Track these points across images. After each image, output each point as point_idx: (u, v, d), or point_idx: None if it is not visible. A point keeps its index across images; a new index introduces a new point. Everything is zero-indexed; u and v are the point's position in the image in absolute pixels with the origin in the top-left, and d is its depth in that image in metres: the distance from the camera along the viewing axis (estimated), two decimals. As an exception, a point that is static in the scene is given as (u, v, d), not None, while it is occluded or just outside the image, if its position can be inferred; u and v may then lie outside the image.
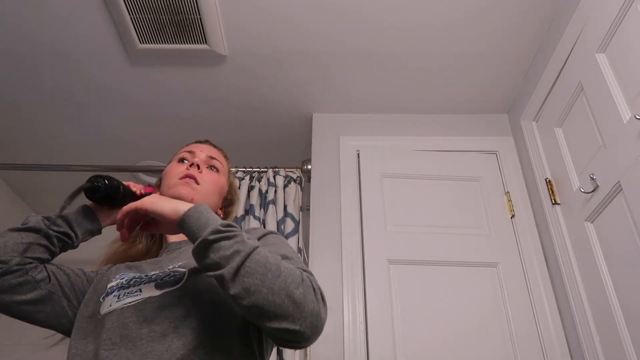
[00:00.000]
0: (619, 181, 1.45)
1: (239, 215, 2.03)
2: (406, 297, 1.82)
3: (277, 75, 2.13)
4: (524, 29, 1.91)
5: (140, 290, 0.90)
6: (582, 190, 1.64)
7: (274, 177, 2.16)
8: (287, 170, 2.20)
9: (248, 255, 0.74)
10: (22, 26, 1.89)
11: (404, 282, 1.85)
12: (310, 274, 0.81)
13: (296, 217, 2.06)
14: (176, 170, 1.10)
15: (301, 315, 0.73)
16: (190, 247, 0.83)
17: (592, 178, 1.58)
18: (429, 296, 1.82)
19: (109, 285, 0.96)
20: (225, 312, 0.86)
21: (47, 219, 0.95)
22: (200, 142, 1.25)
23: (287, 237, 1.98)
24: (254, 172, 2.22)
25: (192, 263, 0.93)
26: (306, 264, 1.97)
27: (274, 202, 2.08)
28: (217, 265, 0.74)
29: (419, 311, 1.79)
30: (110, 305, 0.90)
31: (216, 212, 1.11)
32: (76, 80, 2.15)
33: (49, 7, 1.82)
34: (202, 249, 0.76)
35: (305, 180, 2.22)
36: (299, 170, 2.23)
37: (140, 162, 2.66)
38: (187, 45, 1.95)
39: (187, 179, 1.07)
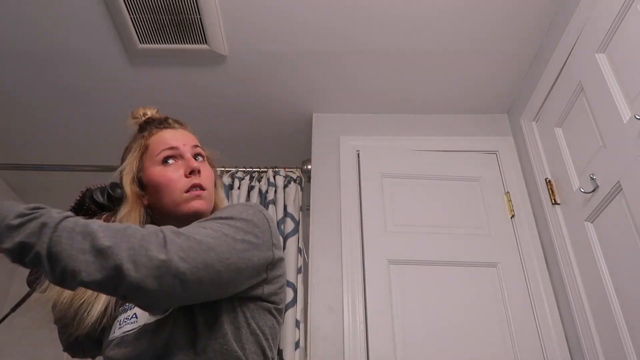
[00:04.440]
0: (619, 181, 1.45)
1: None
2: (406, 297, 1.82)
3: (277, 75, 2.13)
4: (524, 29, 1.91)
5: (136, 316, 0.86)
6: (582, 190, 1.64)
7: (274, 177, 2.16)
8: (287, 170, 2.20)
9: (56, 226, 0.68)
10: (21, 26, 1.89)
11: (404, 282, 1.85)
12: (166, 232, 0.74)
13: (296, 217, 2.06)
14: (177, 182, 0.94)
15: (113, 263, 0.67)
16: None
17: (592, 178, 1.58)
18: (429, 296, 1.82)
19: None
20: (220, 323, 0.81)
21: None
22: (166, 126, 1.07)
23: (287, 237, 1.98)
24: (254, 172, 2.22)
25: None
26: (306, 264, 1.97)
27: (274, 202, 2.08)
28: (25, 246, 0.66)
29: (419, 311, 1.79)
30: (114, 333, 0.88)
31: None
32: (76, 80, 2.14)
33: (48, 8, 1.82)
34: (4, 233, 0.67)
35: (305, 180, 2.22)
36: (299, 170, 2.22)
37: (140, 162, 2.65)
38: (187, 45, 1.95)
39: (196, 191, 0.94)
